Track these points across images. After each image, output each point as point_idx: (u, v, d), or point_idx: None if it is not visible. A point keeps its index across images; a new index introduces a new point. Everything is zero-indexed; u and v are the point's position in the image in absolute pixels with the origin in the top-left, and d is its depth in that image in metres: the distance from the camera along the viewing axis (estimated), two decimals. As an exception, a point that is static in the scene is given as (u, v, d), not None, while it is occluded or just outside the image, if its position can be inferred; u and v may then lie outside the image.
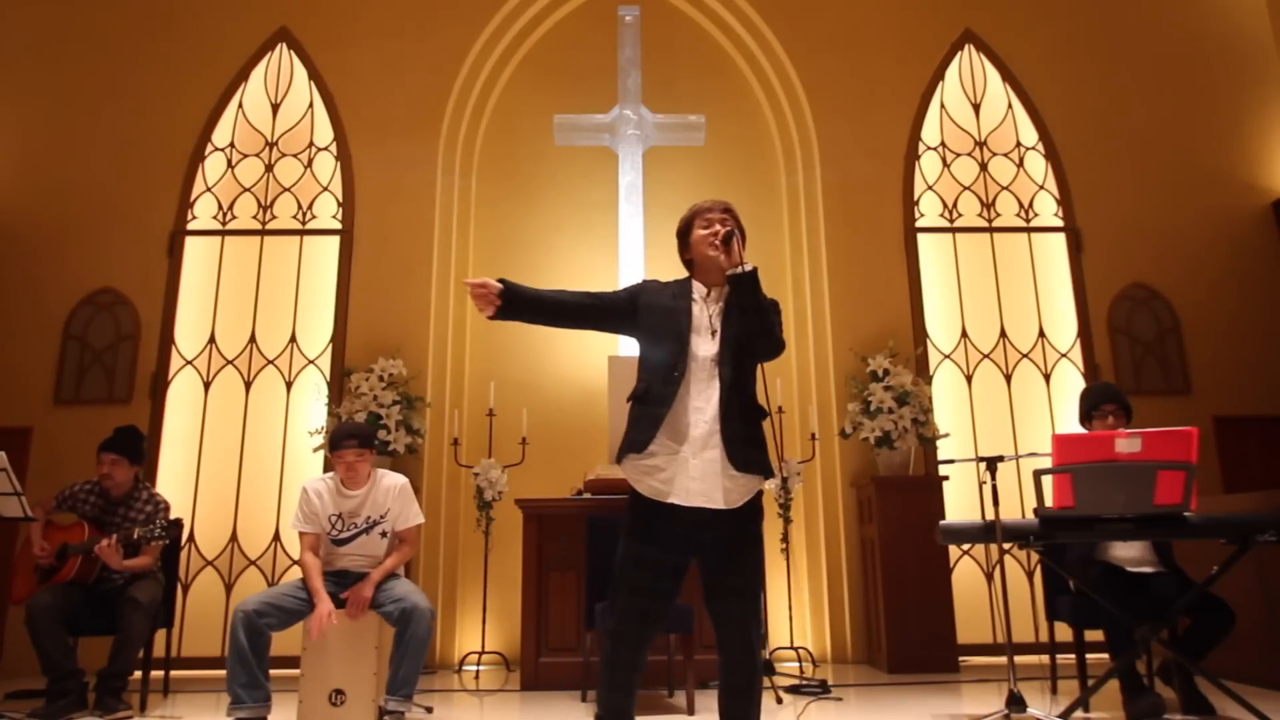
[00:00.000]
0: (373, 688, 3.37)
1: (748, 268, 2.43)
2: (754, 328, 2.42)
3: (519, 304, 2.45)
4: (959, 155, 6.22)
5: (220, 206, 6.00)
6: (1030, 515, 3.42)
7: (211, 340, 5.79)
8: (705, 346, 2.46)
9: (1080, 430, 3.84)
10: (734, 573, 2.39)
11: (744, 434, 2.41)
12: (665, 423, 2.40)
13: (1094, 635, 3.77)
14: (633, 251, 5.62)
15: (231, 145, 6.10)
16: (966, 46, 6.35)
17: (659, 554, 2.39)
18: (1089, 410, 3.77)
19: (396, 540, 3.65)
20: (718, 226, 2.57)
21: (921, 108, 6.21)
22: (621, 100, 5.90)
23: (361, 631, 3.42)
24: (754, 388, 2.51)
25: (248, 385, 5.75)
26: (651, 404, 2.43)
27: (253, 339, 5.81)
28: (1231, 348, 5.83)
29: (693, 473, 2.37)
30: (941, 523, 3.40)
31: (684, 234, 2.69)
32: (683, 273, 2.73)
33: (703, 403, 2.41)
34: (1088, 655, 3.91)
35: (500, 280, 2.42)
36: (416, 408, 5.44)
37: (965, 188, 6.17)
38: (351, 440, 3.56)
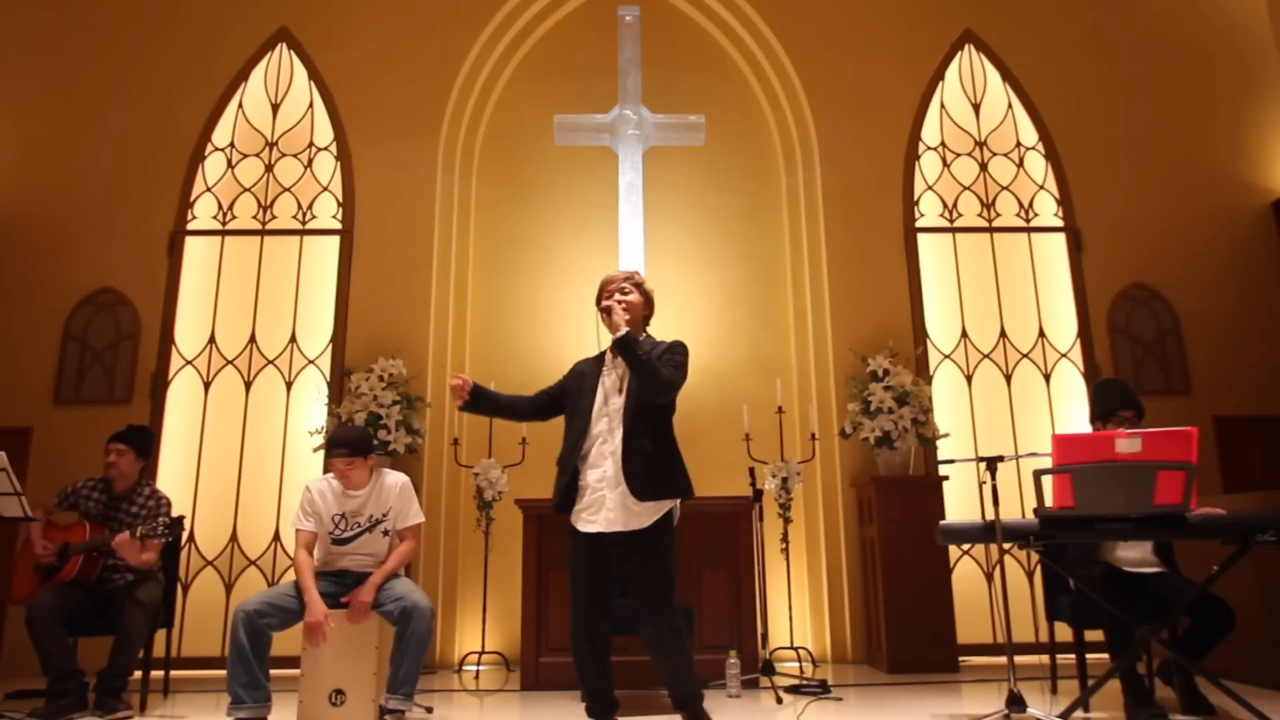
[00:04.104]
0: (373, 688, 3.37)
1: (620, 334, 3.02)
2: (640, 380, 2.99)
3: (480, 400, 3.19)
4: (959, 155, 6.22)
5: (220, 206, 6.00)
6: (1030, 515, 3.42)
7: (211, 340, 5.79)
8: (614, 402, 3.07)
9: (1088, 426, 3.83)
10: (641, 580, 2.96)
11: (645, 469, 2.96)
12: (585, 486, 3.02)
13: (1094, 635, 3.77)
14: (632, 251, 5.62)
15: (231, 145, 6.10)
16: (966, 46, 6.35)
17: (593, 569, 3.00)
18: (1104, 413, 3.71)
19: (396, 539, 3.65)
20: (617, 296, 3.17)
21: (921, 108, 6.21)
22: (621, 100, 5.90)
23: (361, 631, 3.42)
24: (660, 423, 3.07)
25: (248, 385, 5.75)
26: (564, 473, 3.08)
27: (253, 339, 5.82)
28: (1231, 348, 5.83)
29: (609, 504, 2.98)
30: (941, 523, 3.40)
31: (598, 305, 3.26)
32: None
33: (614, 446, 3.00)
34: (1088, 655, 3.92)
35: (475, 384, 3.18)
36: (416, 408, 5.44)
37: (965, 188, 6.17)
38: (340, 449, 3.54)
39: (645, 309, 3.27)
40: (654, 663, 3.02)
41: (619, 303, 3.16)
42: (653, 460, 2.99)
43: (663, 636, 2.95)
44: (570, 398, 3.21)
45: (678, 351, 3.11)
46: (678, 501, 3.07)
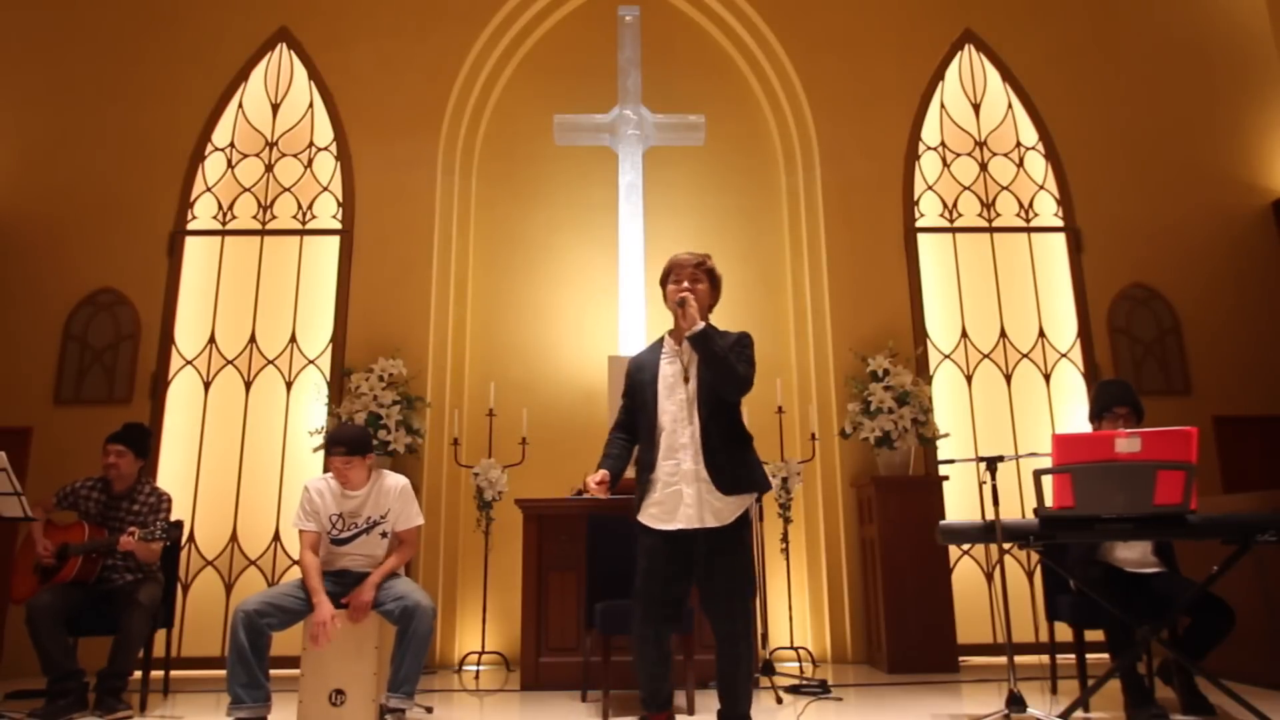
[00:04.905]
0: (373, 687, 3.37)
1: (698, 330, 2.86)
2: (717, 377, 2.86)
3: (618, 475, 3.02)
4: (959, 155, 6.22)
5: (220, 206, 6.00)
6: (1030, 515, 3.41)
7: (211, 340, 5.79)
8: (680, 391, 2.93)
9: (1089, 425, 3.83)
10: (722, 575, 2.84)
11: (727, 461, 2.86)
12: (656, 481, 2.90)
13: (1094, 635, 3.78)
14: (633, 251, 5.62)
15: (231, 145, 6.10)
16: (966, 46, 6.35)
17: (668, 568, 2.86)
18: (1100, 409, 3.73)
19: (396, 541, 3.65)
20: (685, 284, 2.99)
21: (921, 108, 6.21)
22: (621, 100, 5.90)
23: (361, 631, 3.42)
24: (735, 415, 2.96)
25: (248, 385, 5.75)
26: (644, 470, 2.96)
27: (253, 339, 5.82)
28: (1231, 348, 5.83)
29: (687, 500, 2.85)
30: (941, 523, 3.40)
31: (663, 285, 3.09)
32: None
33: (687, 439, 2.88)
34: (1088, 655, 3.92)
35: (604, 470, 2.98)
36: (416, 408, 5.44)
37: (965, 188, 6.17)
38: (339, 448, 3.53)
39: (712, 296, 3.07)
40: (719, 664, 2.86)
41: (690, 292, 2.96)
42: (733, 454, 2.88)
43: (737, 634, 2.82)
44: (634, 399, 3.07)
45: (747, 345, 2.97)
46: (755, 496, 2.94)
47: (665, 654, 2.91)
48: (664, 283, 3.07)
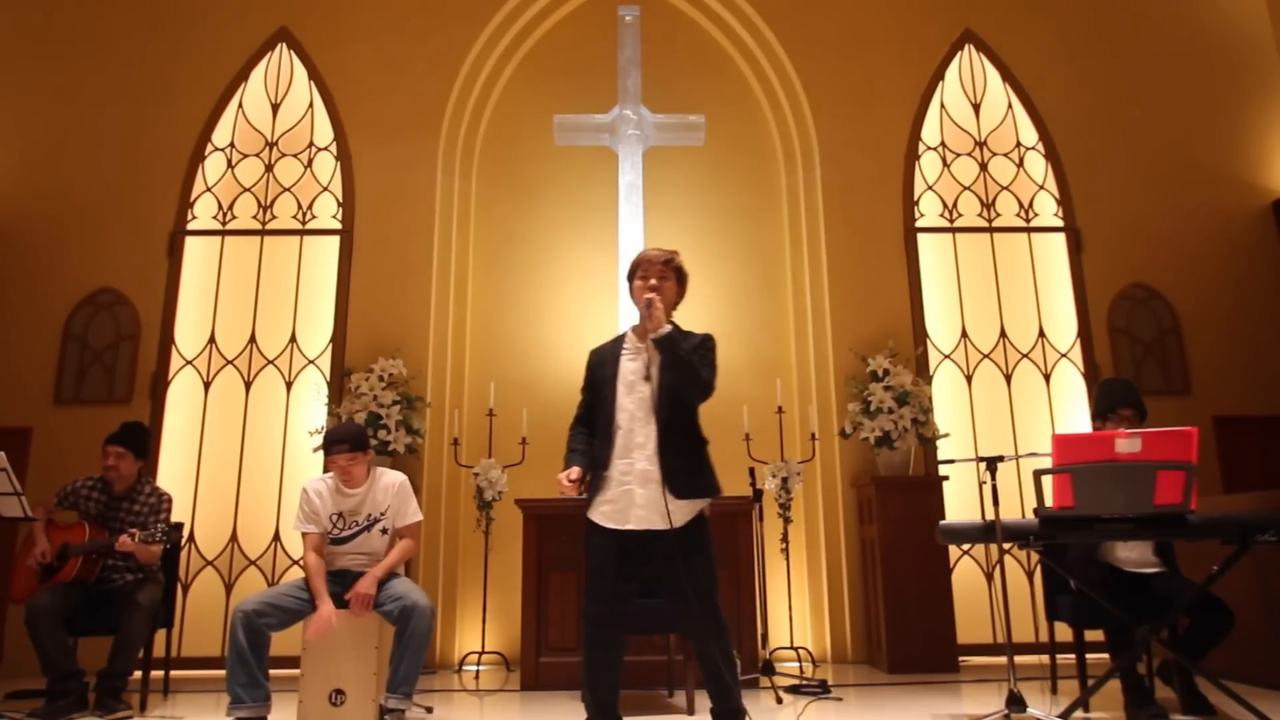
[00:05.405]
0: (373, 687, 3.37)
1: (663, 332, 2.81)
2: (681, 380, 2.83)
3: (588, 467, 2.93)
4: (959, 155, 6.22)
5: (220, 206, 6.01)
6: (1030, 515, 3.41)
7: (211, 340, 5.79)
8: (640, 390, 2.88)
9: (1089, 425, 3.82)
10: (689, 575, 2.79)
11: (682, 465, 2.81)
12: (609, 479, 2.84)
13: (1094, 635, 3.78)
14: (632, 251, 5.61)
15: (231, 145, 6.10)
16: (966, 46, 6.35)
17: (617, 567, 2.81)
18: (1104, 410, 3.72)
19: (397, 538, 3.65)
20: (653, 281, 2.94)
21: (921, 108, 6.21)
22: (621, 100, 5.90)
23: (362, 631, 3.42)
24: (693, 417, 2.92)
25: (248, 385, 5.75)
26: (597, 467, 2.89)
27: (253, 339, 5.82)
28: (1231, 348, 5.83)
29: (639, 501, 2.80)
30: (941, 523, 3.40)
31: (630, 280, 3.04)
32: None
33: (644, 439, 2.83)
34: (1088, 655, 3.92)
35: (577, 467, 2.91)
36: (416, 408, 5.44)
37: (965, 188, 6.17)
38: (342, 445, 3.53)
39: (677, 294, 3.02)
40: (701, 665, 2.82)
41: (656, 291, 2.91)
42: (689, 457, 2.85)
43: (713, 631, 2.79)
44: (592, 393, 3.02)
45: (710, 349, 2.92)
46: (708, 501, 2.91)
47: (616, 663, 2.83)
48: (631, 278, 3.02)
